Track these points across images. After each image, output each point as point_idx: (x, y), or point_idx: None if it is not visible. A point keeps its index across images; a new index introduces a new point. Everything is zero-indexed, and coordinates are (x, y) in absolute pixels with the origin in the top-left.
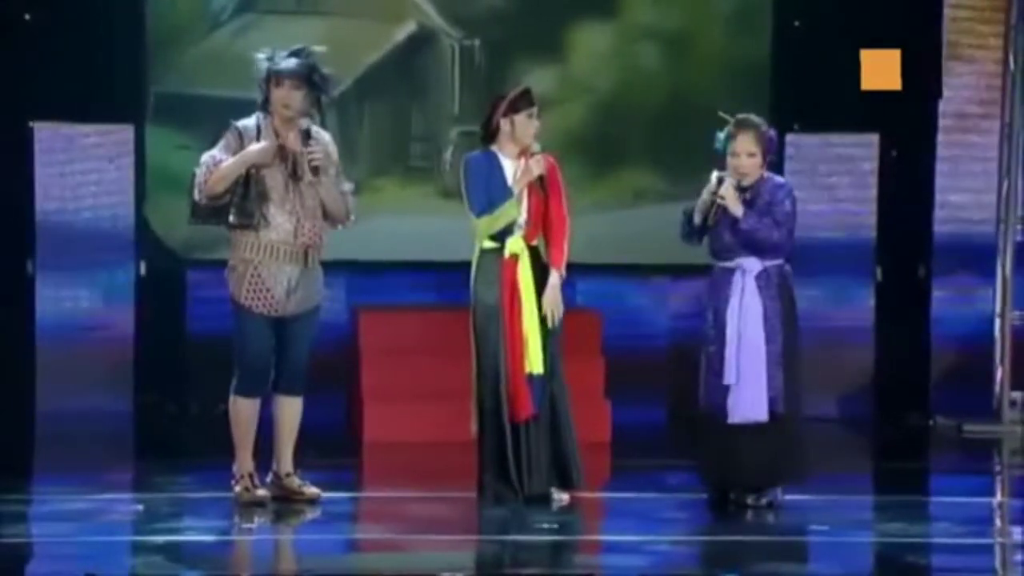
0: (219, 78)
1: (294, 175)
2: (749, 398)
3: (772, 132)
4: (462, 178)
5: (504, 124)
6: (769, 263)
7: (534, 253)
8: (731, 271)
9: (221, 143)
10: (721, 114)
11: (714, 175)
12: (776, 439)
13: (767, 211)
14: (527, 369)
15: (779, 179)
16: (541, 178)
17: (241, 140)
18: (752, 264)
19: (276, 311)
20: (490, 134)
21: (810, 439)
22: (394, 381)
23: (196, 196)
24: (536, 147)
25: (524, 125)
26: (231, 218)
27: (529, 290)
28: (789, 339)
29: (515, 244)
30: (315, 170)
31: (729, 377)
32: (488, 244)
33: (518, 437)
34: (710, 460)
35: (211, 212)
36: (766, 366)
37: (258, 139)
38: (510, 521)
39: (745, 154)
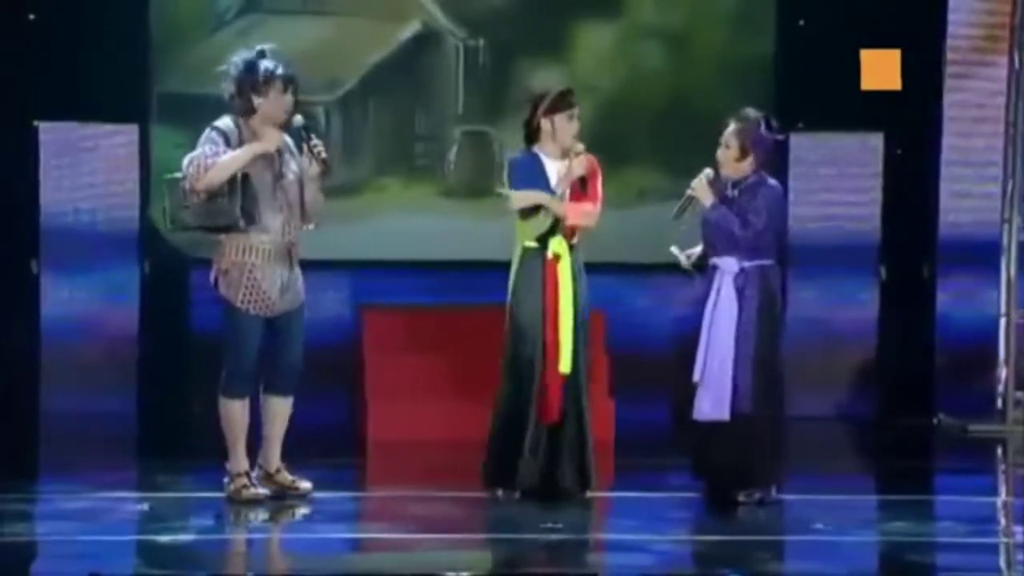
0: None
1: (280, 175)
2: (712, 397)
3: (764, 132)
4: (506, 179)
5: (545, 124)
6: (748, 263)
7: (575, 252)
8: (714, 269)
9: (205, 142)
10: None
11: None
12: (741, 440)
13: (747, 209)
14: (561, 370)
15: (769, 181)
16: (583, 179)
17: (228, 141)
18: (729, 264)
19: (271, 311)
20: (531, 134)
21: (785, 442)
22: (398, 380)
23: (193, 187)
24: (580, 147)
25: (564, 126)
26: (240, 222)
27: (567, 292)
28: (765, 340)
29: (558, 245)
30: (324, 163)
31: (696, 374)
32: (530, 243)
33: (540, 436)
34: (694, 456)
35: (202, 214)
36: (735, 366)
37: (240, 140)
38: (514, 520)
39: (722, 145)
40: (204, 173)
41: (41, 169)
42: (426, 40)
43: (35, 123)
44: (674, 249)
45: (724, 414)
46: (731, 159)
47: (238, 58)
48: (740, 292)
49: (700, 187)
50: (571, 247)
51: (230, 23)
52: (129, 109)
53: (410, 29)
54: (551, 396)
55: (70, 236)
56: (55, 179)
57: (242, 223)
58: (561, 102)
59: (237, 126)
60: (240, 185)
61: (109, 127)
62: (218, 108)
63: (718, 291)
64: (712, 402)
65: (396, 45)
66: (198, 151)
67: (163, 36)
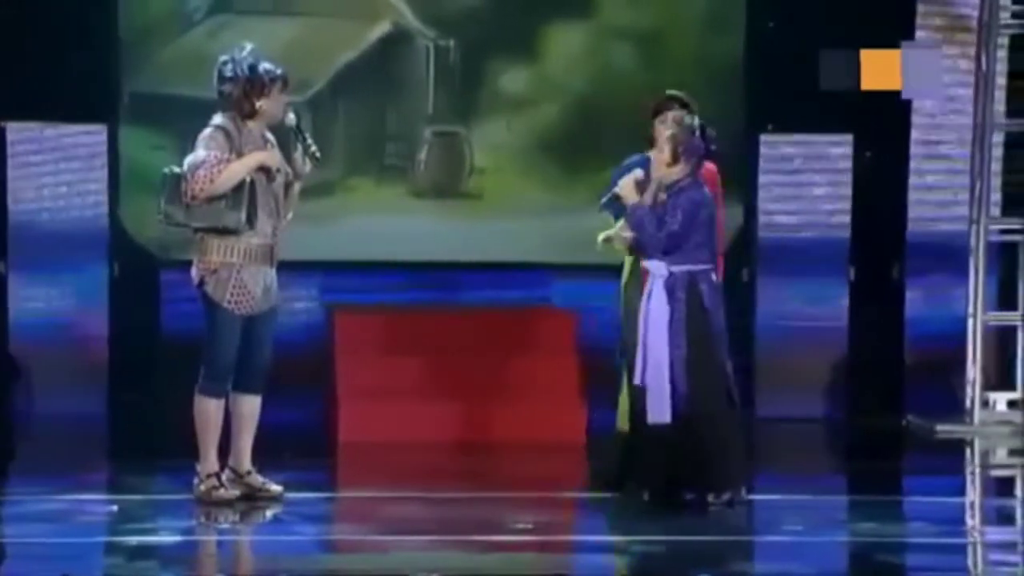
0: (193, 78)
1: (271, 178)
2: (653, 401)
3: (696, 139)
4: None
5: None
6: (676, 268)
7: None
8: (646, 273)
9: (211, 144)
10: None
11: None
12: (685, 443)
13: (666, 212)
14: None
15: (699, 188)
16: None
17: (230, 140)
18: (658, 267)
19: (253, 311)
20: (650, 140)
21: (749, 442)
22: (369, 381)
23: (195, 192)
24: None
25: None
26: (244, 227)
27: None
28: (698, 344)
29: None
30: (316, 159)
31: (636, 378)
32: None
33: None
34: (640, 460)
35: (200, 215)
36: (671, 371)
37: (239, 140)
38: (486, 521)
39: (657, 148)
40: (211, 183)
41: (9, 170)
42: (396, 40)
43: (3, 123)
44: (602, 237)
45: (665, 417)
46: (662, 163)
47: (234, 60)
48: (670, 295)
49: (626, 187)
50: None
51: (200, 23)
52: (98, 109)
53: (380, 29)
54: None
55: (38, 237)
56: (23, 180)
57: (245, 227)
58: (658, 108)
59: (236, 125)
60: (247, 192)
61: (78, 127)
62: (188, 108)
63: (649, 295)
64: (654, 406)
65: (366, 45)
66: (204, 154)
67: (132, 36)
